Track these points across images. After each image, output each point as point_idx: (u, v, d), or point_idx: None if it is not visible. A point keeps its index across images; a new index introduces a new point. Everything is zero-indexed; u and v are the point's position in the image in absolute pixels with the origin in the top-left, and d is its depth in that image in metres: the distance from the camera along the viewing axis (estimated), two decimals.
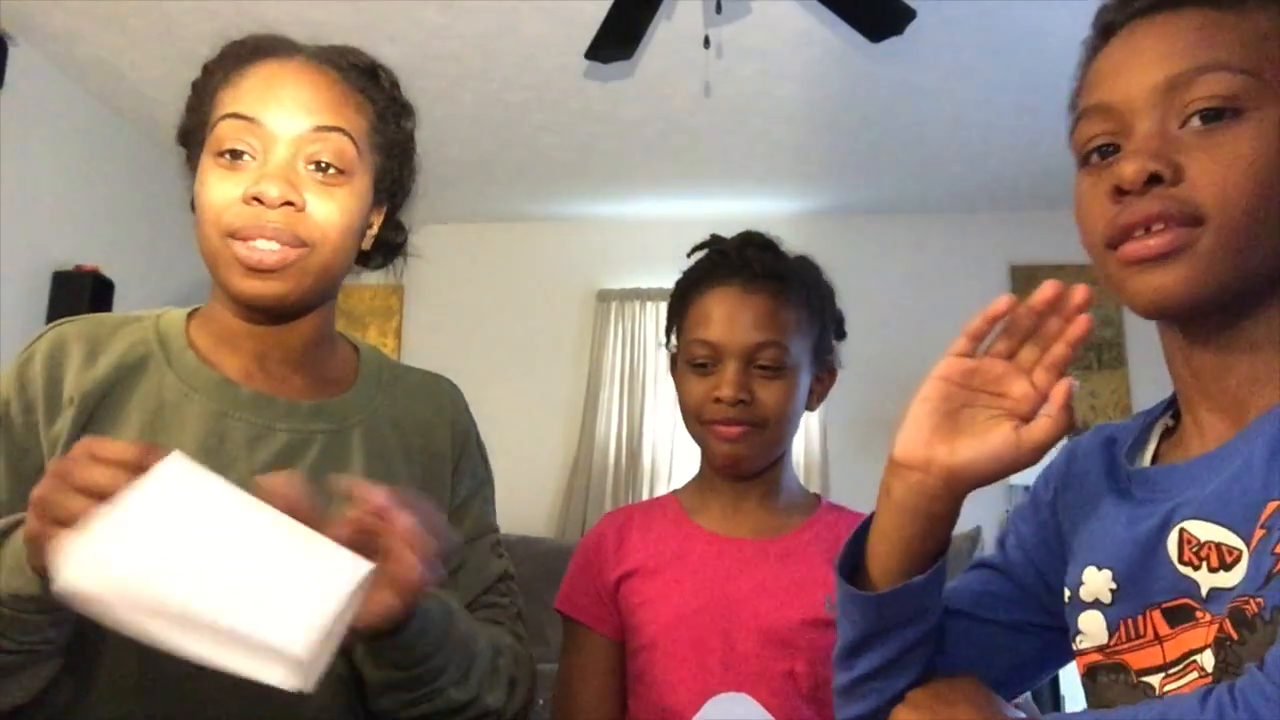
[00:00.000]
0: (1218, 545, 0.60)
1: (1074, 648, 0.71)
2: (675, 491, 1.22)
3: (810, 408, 1.16)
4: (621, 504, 4.08)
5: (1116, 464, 0.72)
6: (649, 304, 4.47)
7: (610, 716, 1.11)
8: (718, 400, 1.08)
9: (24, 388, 0.86)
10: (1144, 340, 4.38)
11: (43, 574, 0.66)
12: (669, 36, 3.10)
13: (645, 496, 4.18)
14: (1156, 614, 0.64)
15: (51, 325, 0.92)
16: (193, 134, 0.93)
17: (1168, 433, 0.72)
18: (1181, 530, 0.62)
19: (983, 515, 3.53)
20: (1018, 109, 3.48)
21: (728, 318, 1.10)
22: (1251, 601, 0.56)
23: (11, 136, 3.12)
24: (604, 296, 4.61)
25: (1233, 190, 0.59)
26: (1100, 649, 0.68)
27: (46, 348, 0.88)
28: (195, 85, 0.94)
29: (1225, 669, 0.58)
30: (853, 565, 0.74)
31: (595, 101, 3.60)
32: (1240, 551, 0.58)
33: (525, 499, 4.30)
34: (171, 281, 3.79)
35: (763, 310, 1.09)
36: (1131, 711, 0.54)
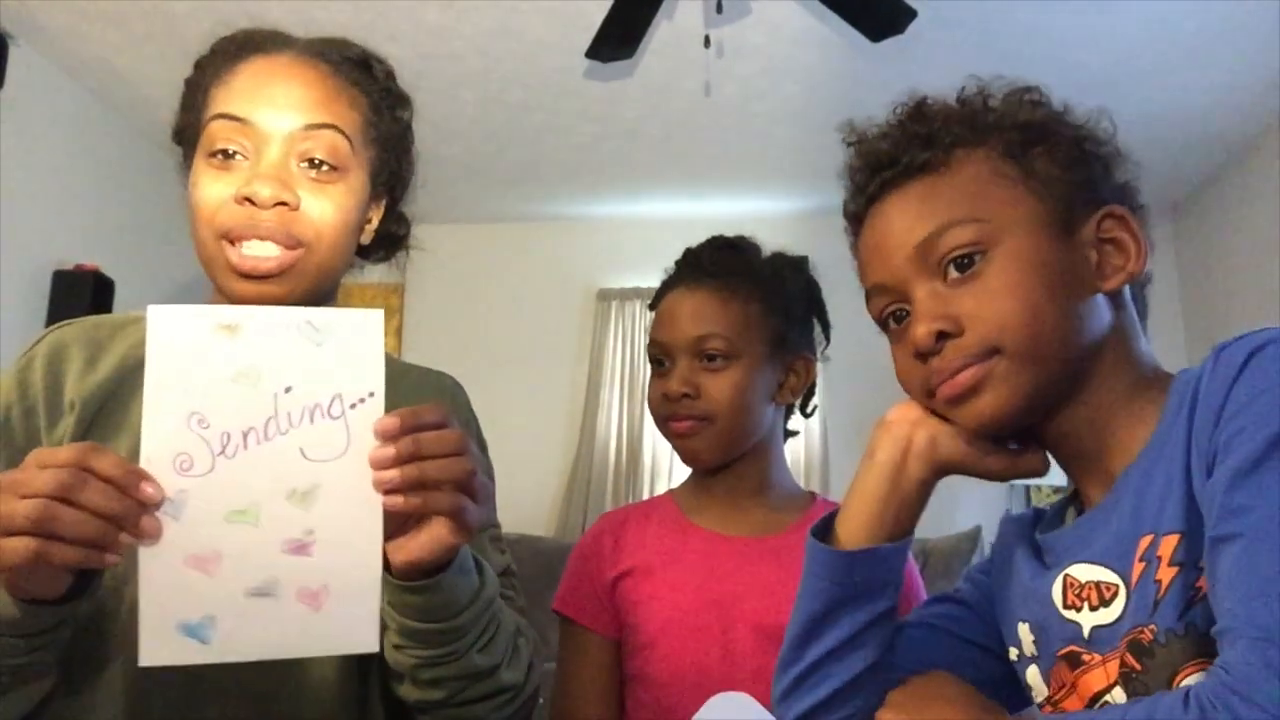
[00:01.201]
0: (1097, 584, 0.66)
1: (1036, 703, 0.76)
2: (671, 491, 1.23)
3: (782, 400, 1.15)
4: (622, 503, 4.08)
5: (1032, 534, 0.78)
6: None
7: (608, 716, 1.11)
8: (666, 397, 1.11)
9: (25, 392, 0.86)
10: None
11: (14, 594, 0.66)
12: (669, 36, 3.10)
13: (646, 496, 4.18)
14: (1062, 663, 0.69)
15: (50, 329, 0.91)
16: (187, 132, 0.91)
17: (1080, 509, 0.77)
18: (1065, 576, 0.69)
19: (982, 515, 3.52)
20: None
21: (672, 316, 1.14)
22: (1146, 630, 0.62)
23: (11, 136, 3.12)
24: (604, 296, 4.61)
25: (1009, 318, 0.67)
26: (1048, 701, 0.72)
27: (46, 352, 0.88)
28: (188, 82, 0.93)
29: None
30: (822, 539, 0.78)
31: (595, 101, 3.60)
32: (1117, 587, 0.65)
33: (525, 498, 4.30)
34: (172, 281, 3.79)
35: (703, 304, 1.12)
36: (1120, 710, 0.56)
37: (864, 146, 0.78)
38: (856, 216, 0.78)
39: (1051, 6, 2.94)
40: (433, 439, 0.69)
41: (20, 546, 0.61)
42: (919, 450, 0.74)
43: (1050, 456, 0.74)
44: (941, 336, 0.69)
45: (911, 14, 2.59)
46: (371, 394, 0.68)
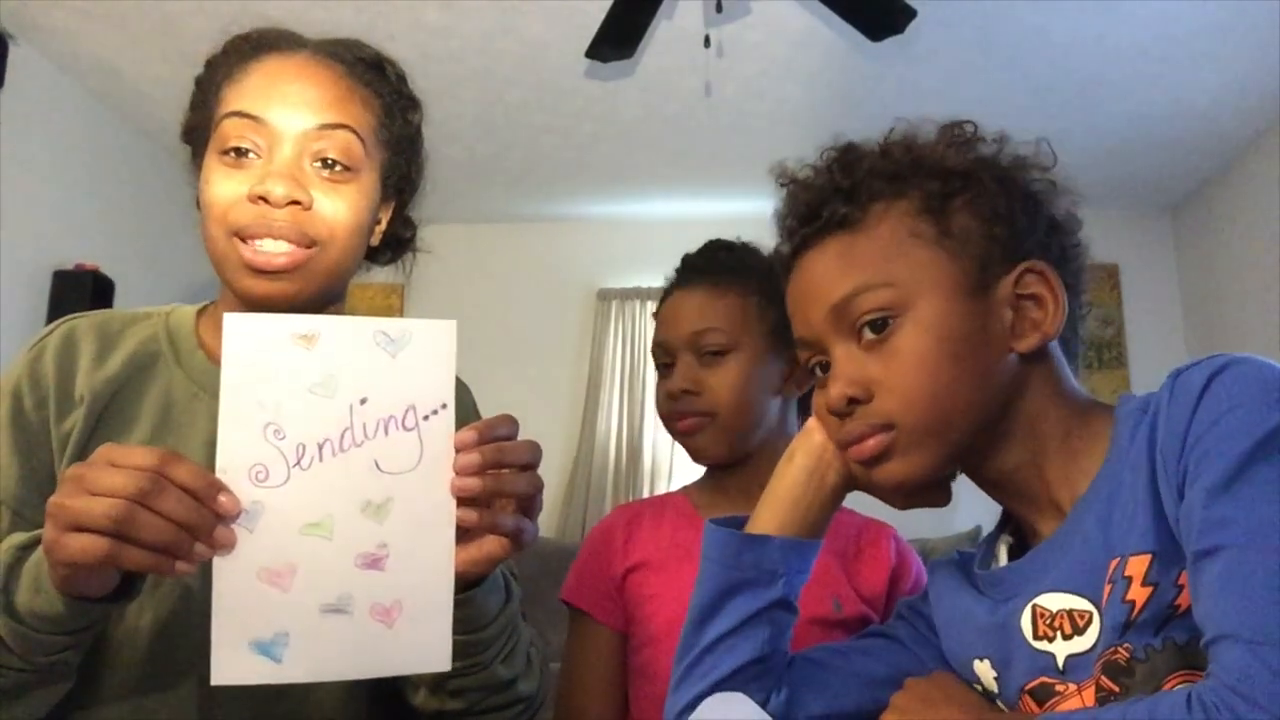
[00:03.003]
0: (1069, 612, 0.66)
1: None
2: (685, 488, 1.23)
3: (788, 392, 1.15)
4: (622, 503, 4.07)
5: (971, 572, 0.77)
6: (649, 303, 4.47)
7: (613, 709, 1.10)
8: (669, 395, 1.13)
9: (37, 382, 0.85)
10: (1144, 340, 4.38)
11: (63, 590, 0.65)
12: (669, 36, 3.11)
13: (646, 495, 4.18)
14: (1027, 697, 0.69)
15: (62, 320, 0.91)
16: (197, 131, 0.91)
17: (1015, 547, 0.76)
18: (1034, 607, 0.69)
19: (983, 515, 3.52)
20: (1018, 109, 3.48)
21: (672, 316, 1.16)
22: (1120, 650, 0.62)
23: (11, 136, 3.12)
24: (604, 296, 4.61)
25: (911, 391, 0.68)
26: None
27: (57, 342, 0.87)
28: (199, 81, 0.92)
29: None
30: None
31: (595, 101, 3.60)
32: (1090, 613, 0.65)
33: None
34: (172, 281, 3.79)
35: (698, 301, 1.13)
36: (1120, 709, 0.56)
37: (791, 192, 0.81)
38: (785, 264, 0.80)
39: (1051, 6, 2.94)
40: (512, 448, 0.70)
41: (91, 545, 0.60)
42: (833, 458, 0.77)
43: (991, 494, 0.75)
44: (853, 401, 0.70)
45: (911, 14, 2.59)
46: (444, 405, 0.67)
